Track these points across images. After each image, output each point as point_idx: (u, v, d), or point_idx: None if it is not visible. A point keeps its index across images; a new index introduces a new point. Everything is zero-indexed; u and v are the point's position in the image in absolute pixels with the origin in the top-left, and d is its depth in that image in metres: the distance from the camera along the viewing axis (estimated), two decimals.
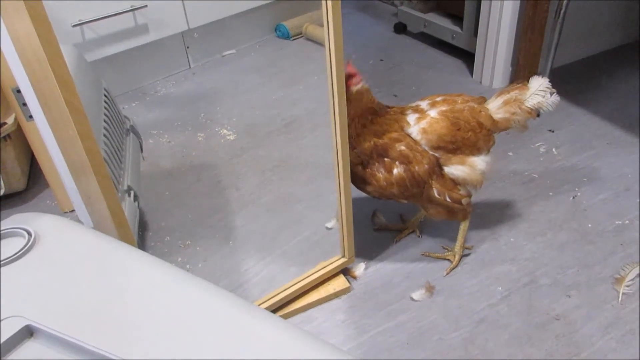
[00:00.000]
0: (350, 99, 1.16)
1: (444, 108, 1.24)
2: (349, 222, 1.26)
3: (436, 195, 1.23)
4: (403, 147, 1.20)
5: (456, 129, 1.21)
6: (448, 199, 1.24)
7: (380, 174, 1.21)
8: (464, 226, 1.36)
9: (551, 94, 1.24)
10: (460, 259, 1.38)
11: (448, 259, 1.39)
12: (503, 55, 2.02)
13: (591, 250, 1.40)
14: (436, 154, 1.22)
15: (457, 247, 1.38)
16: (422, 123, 1.22)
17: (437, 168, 1.22)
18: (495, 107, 1.25)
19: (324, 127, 1.86)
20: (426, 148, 1.21)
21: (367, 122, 1.20)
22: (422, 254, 1.42)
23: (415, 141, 1.21)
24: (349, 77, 1.14)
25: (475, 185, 1.26)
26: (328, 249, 1.39)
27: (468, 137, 1.22)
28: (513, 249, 1.42)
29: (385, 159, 1.20)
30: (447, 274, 1.36)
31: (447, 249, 1.42)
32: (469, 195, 1.27)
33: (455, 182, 1.24)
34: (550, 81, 1.26)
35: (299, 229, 1.50)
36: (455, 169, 1.23)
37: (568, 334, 1.20)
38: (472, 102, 1.26)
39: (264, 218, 1.55)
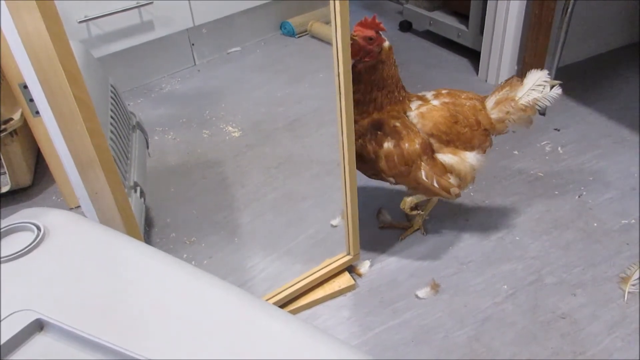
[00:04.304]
0: (383, 57, 1.15)
1: (446, 100, 1.25)
2: (354, 220, 1.26)
3: (423, 177, 1.22)
4: (398, 124, 1.20)
5: (453, 122, 1.22)
6: (435, 184, 1.23)
7: (371, 146, 1.20)
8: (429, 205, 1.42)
9: (551, 87, 1.22)
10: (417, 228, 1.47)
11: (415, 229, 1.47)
12: (509, 53, 2.01)
13: (597, 249, 1.39)
14: (429, 141, 1.23)
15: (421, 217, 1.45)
16: (421, 108, 1.23)
17: (428, 150, 1.22)
18: (490, 107, 1.25)
19: (329, 124, 1.86)
20: (421, 132, 1.22)
21: (395, 89, 1.20)
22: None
23: (411, 122, 1.22)
24: (377, 30, 1.12)
25: (465, 177, 1.25)
26: (333, 247, 1.39)
27: (464, 132, 1.23)
28: (518, 247, 1.42)
29: (378, 132, 1.20)
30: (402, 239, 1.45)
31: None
32: (459, 187, 1.26)
33: (445, 169, 1.24)
34: (549, 74, 1.25)
35: (304, 226, 1.50)
36: (445, 157, 1.24)
37: (573, 333, 1.20)
38: (476, 100, 1.26)
39: (269, 215, 1.55)
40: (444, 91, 1.28)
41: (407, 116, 1.22)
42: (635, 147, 1.73)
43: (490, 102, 1.26)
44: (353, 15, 0.97)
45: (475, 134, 1.23)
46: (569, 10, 1.77)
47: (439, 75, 2.20)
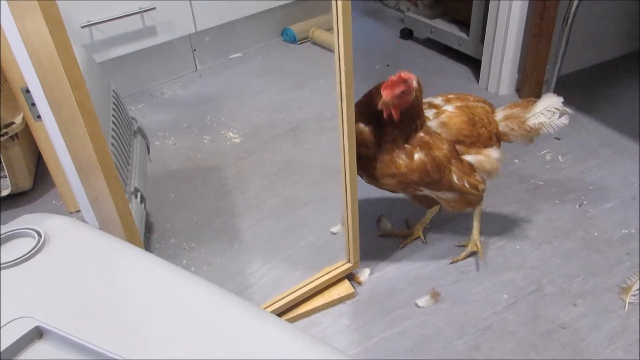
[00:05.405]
0: (418, 96, 1.14)
1: (459, 104, 1.25)
2: (354, 227, 1.26)
3: (456, 180, 1.22)
4: (422, 134, 1.19)
5: (472, 124, 1.23)
6: (467, 185, 1.24)
7: (402, 161, 1.18)
8: (478, 211, 1.37)
9: (561, 115, 1.24)
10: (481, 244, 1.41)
11: (473, 251, 1.41)
12: (509, 62, 2.02)
13: (597, 259, 1.39)
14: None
15: (476, 234, 1.40)
16: (441, 117, 1.22)
17: (455, 153, 1.22)
18: (498, 119, 1.28)
19: (330, 131, 1.86)
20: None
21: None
22: (451, 263, 1.41)
23: (434, 131, 1.21)
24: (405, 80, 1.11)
25: (491, 172, 1.26)
26: (333, 254, 1.38)
27: (482, 132, 1.24)
28: (519, 256, 1.41)
29: (406, 145, 1.18)
30: (484, 261, 1.39)
31: (463, 245, 1.44)
32: (484, 182, 1.27)
33: (472, 168, 1.24)
34: (556, 92, 1.26)
35: (304, 233, 1.50)
36: (471, 158, 1.24)
37: (574, 343, 1.19)
38: (482, 102, 1.29)
39: (269, 221, 1.54)
40: (450, 95, 1.28)
41: (429, 127, 1.21)
42: (636, 157, 1.73)
43: (499, 115, 1.28)
44: (355, 23, 0.97)
45: (491, 133, 1.25)
46: (570, 19, 1.77)
47: (440, 83, 2.20)
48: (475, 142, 1.24)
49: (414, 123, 1.17)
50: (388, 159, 1.19)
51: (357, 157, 1.18)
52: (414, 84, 1.11)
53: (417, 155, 1.18)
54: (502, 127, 1.27)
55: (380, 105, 1.09)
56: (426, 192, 1.27)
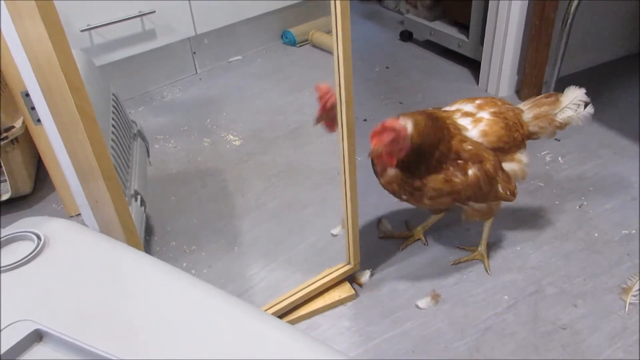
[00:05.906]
0: (418, 141, 1.06)
1: (493, 110, 1.23)
2: (354, 229, 1.26)
3: (501, 190, 1.22)
4: (470, 147, 1.16)
5: (508, 130, 1.22)
6: (508, 193, 1.23)
7: (457, 179, 1.14)
8: (489, 223, 1.38)
9: (586, 105, 1.24)
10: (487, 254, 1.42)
11: (477, 259, 1.41)
12: (509, 63, 2.02)
13: (597, 260, 1.39)
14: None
15: (484, 244, 1.40)
16: (480, 125, 1.20)
17: (499, 163, 1.21)
18: (527, 119, 1.26)
19: (330, 133, 1.86)
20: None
21: (447, 132, 1.15)
22: (452, 264, 1.41)
23: (477, 142, 1.19)
24: (393, 128, 1.04)
25: (520, 177, 1.26)
26: (333, 256, 1.38)
27: (516, 137, 1.23)
28: (519, 257, 1.41)
29: (459, 161, 1.15)
30: (490, 272, 1.38)
31: (465, 248, 1.44)
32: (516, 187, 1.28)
33: (509, 176, 1.24)
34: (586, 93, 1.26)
35: (304, 235, 1.50)
36: (508, 165, 1.23)
37: (574, 344, 1.19)
38: (508, 104, 1.27)
39: (269, 224, 1.54)
40: (478, 101, 1.25)
41: (470, 137, 1.18)
42: (635, 157, 1.73)
43: (527, 115, 1.26)
44: (354, 25, 0.97)
45: (523, 136, 1.25)
46: (569, 21, 1.78)
47: (440, 85, 2.21)
48: (511, 148, 1.23)
49: (436, 152, 1.11)
50: (442, 179, 1.14)
51: (409, 194, 1.17)
52: (409, 128, 1.04)
53: (472, 171, 1.15)
54: (532, 127, 1.25)
55: (369, 156, 1.05)
56: (471, 204, 1.26)
